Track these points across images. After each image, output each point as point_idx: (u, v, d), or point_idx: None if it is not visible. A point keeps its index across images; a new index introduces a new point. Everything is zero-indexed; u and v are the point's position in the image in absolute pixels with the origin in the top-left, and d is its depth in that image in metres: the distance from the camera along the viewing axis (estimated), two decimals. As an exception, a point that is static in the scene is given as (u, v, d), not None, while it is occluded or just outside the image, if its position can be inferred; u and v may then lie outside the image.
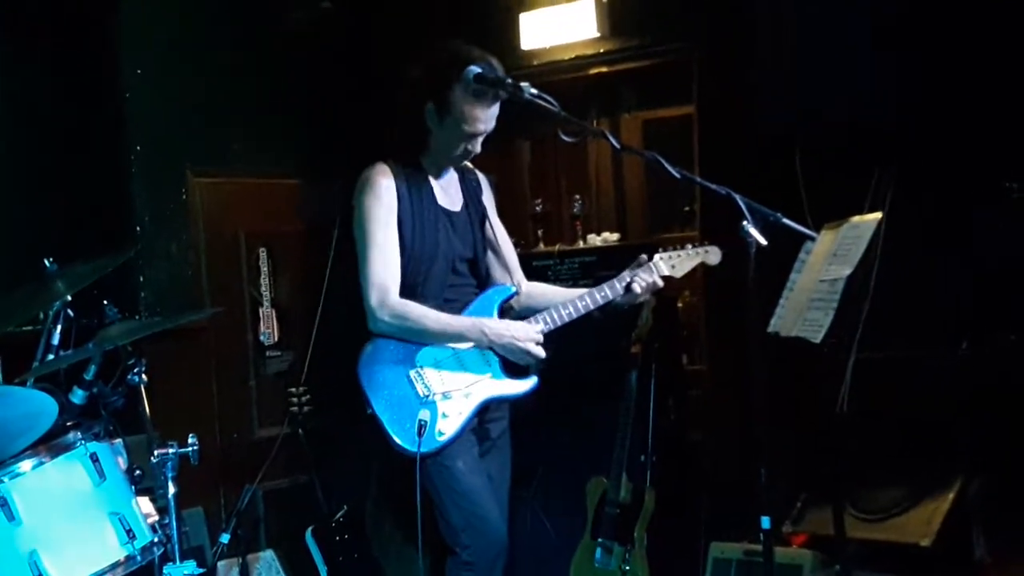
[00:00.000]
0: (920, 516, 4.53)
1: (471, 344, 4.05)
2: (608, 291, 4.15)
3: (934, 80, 4.66)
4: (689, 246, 4.29)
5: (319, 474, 5.70)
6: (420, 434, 3.84)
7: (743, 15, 5.16)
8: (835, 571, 4.44)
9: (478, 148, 4.05)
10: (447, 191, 4.16)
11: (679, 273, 4.28)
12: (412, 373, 4.00)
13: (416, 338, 3.99)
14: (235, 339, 6.02)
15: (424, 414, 3.89)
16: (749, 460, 5.06)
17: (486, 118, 3.97)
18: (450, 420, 3.97)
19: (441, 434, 3.94)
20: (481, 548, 3.98)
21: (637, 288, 4.15)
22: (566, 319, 4.13)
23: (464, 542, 3.98)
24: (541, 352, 4.05)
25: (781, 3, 5.03)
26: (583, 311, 4.14)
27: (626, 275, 4.18)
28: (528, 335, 4.03)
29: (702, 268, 5.16)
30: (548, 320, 4.10)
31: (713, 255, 4.31)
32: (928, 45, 4.64)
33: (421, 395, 3.96)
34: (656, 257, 4.23)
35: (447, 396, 3.98)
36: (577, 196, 6.28)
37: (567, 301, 4.14)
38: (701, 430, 5.60)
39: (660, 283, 4.19)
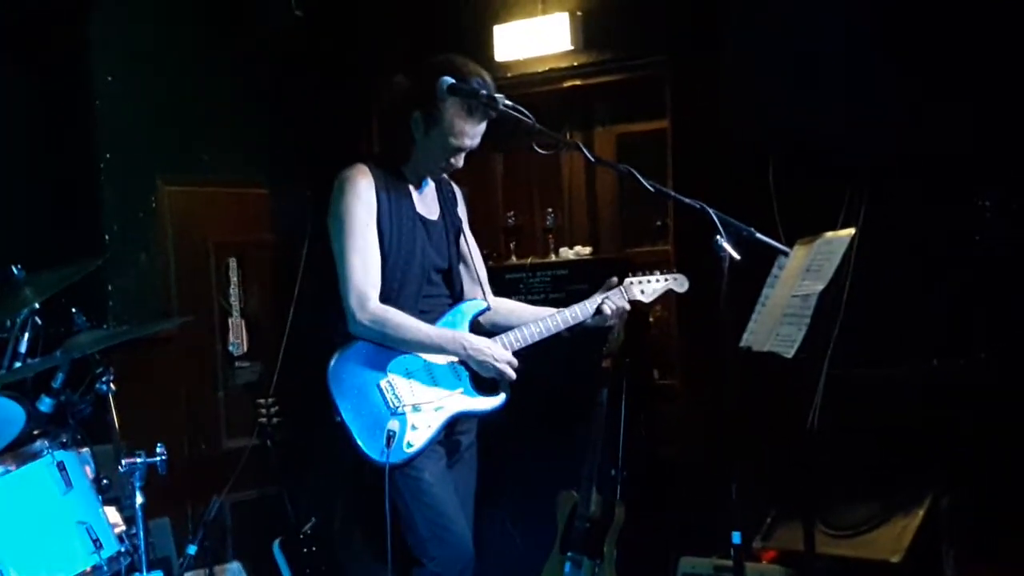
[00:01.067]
0: (890, 532, 4.53)
1: (447, 357, 4.03)
2: (578, 312, 4.17)
3: (907, 97, 4.68)
4: (658, 273, 4.33)
5: (287, 486, 5.67)
6: (388, 445, 3.82)
7: (716, 30, 5.18)
8: (805, 587, 4.46)
9: (460, 163, 4.03)
10: (425, 199, 4.13)
11: (648, 299, 4.32)
12: (383, 383, 3.97)
13: (394, 345, 3.96)
14: (204, 349, 5.98)
15: (393, 424, 3.87)
16: (719, 475, 5.08)
17: (473, 134, 3.96)
18: (419, 432, 3.94)
19: (410, 446, 3.92)
20: (448, 560, 3.95)
21: (607, 310, 4.18)
22: (536, 338, 4.13)
23: (431, 553, 3.94)
24: (513, 375, 4.03)
25: (754, 19, 5.04)
26: (552, 331, 4.15)
27: (597, 297, 4.21)
28: (504, 356, 4.02)
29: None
30: (518, 339, 4.10)
31: (680, 284, 4.37)
32: (901, 61, 4.66)
33: (391, 405, 3.93)
34: (627, 281, 4.26)
35: (417, 408, 3.95)
36: (550, 209, 6.28)
37: (536, 320, 4.15)
38: (672, 445, 5.59)
39: (628, 307, 4.23)
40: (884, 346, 4.76)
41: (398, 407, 3.92)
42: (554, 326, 4.14)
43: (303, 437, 5.89)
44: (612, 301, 4.18)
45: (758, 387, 4.18)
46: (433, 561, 3.94)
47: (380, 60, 6.02)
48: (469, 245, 4.28)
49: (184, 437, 5.75)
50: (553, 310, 4.20)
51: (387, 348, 3.97)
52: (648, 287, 4.30)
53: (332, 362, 3.98)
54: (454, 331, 4.03)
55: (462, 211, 4.28)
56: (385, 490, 3.82)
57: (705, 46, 5.24)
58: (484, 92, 3.87)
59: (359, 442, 3.89)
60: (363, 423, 3.90)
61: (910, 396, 4.69)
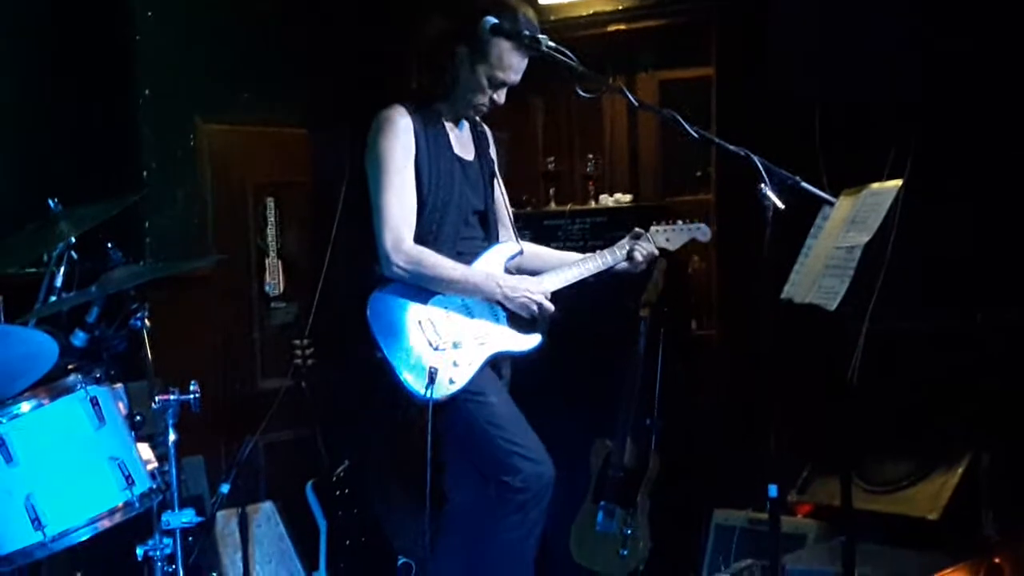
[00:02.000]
0: (928, 490, 4.50)
1: (482, 296, 4.01)
2: (609, 257, 4.17)
3: (956, 50, 4.59)
4: (680, 222, 4.34)
5: (321, 428, 5.67)
6: (431, 381, 3.81)
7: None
8: (840, 542, 4.40)
9: (503, 99, 4.01)
10: (462, 140, 4.12)
11: (673, 247, 4.35)
12: (424, 320, 3.95)
13: (429, 285, 3.95)
14: (240, 289, 5.96)
15: (435, 361, 3.87)
16: (756, 428, 5.04)
17: (519, 68, 3.96)
18: (460, 369, 3.94)
19: (452, 382, 3.91)
20: (532, 475, 3.95)
21: (639, 256, 4.19)
22: (568, 282, 4.15)
23: (515, 468, 3.93)
24: (551, 307, 4.01)
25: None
26: (584, 275, 4.17)
27: (625, 243, 4.22)
28: (540, 291, 4.00)
29: (716, 233, 5.15)
30: (552, 282, 4.09)
31: (704, 233, 4.38)
32: (949, 15, 4.58)
33: (432, 343, 3.92)
34: (652, 229, 4.28)
35: (457, 345, 3.95)
36: (590, 155, 6.21)
37: (567, 264, 4.15)
38: (708, 396, 5.55)
39: (656, 252, 4.25)
40: (926, 302, 4.69)
41: (439, 344, 3.91)
42: (585, 271, 4.15)
43: (338, 379, 5.89)
44: (642, 247, 4.16)
45: (797, 339, 4.12)
46: (518, 476, 3.93)
47: (423, 3, 5.95)
48: (501, 188, 4.25)
49: (219, 376, 5.74)
50: (580, 256, 4.19)
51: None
52: (673, 235, 4.31)
53: (372, 299, 3.97)
54: (488, 271, 4.01)
55: (494, 154, 4.26)
56: (428, 426, 3.81)
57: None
58: (527, 32, 3.83)
59: (402, 378, 3.89)
60: (405, 360, 3.90)
61: (952, 353, 4.63)
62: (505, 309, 4.06)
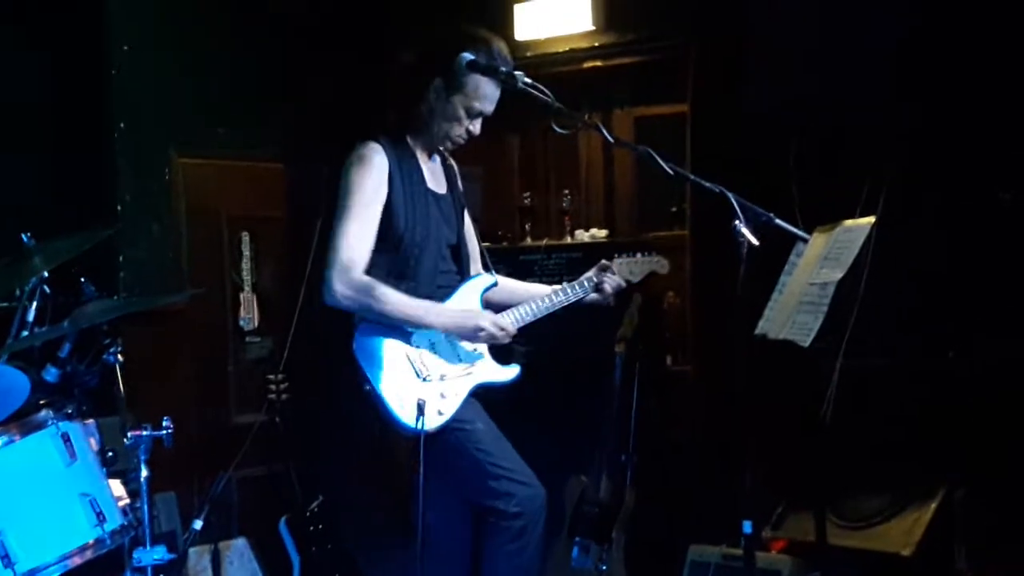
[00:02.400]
0: (902, 525, 4.50)
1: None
2: (578, 289, 4.18)
3: (929, 88, 4.63)
4: (640, 255, 4.36)
5: (295, 463, 5.64)
6: (421, 412, 3.80)
7: (738, 12, 5.13)
8: (814, 578, 4.42)
9: (478, 129, 4.02)
10: (434, 173, 4.13)
11: (636, 278, 4.37)
12: (411, 352, 3.95)
13: (375, 317, 3.92)
14: (214, 323, 5.94)
15: (423, 393, 3.86)
16: (730, 463, 5.04)
17: (493, 97, 3.97)
18: (448, 401, 3.94)
19: (441, 413, 3.91)
20: (528, 498, 3.94)
21: (608, 287, 4.21)
22: (533, 317, 4.14)
23: (507, 491, 3.92)
24: (504, 337, 4.01)
25: (776, 4, 5.00)
26: (550, 309, 4.16)
27: (592, 276, 4.23)
28: (492, 321, 3.99)
29: (690, 269, 5.17)
30: (516, 319, 4.09)
31: (662, 265, 4.40)
32: (923, 50, 4.62)
33: (421, 375, 3.92)
34: (616, 261, 4.30)
35: (444, 377, 3.95)
36: (566, 191, 6.23)
37: (533, 298, 4.15)
38: (683, 431, 5.55)
39: (624, 284, 4.26)
40: (900, 338, 4.71)
41: (427, 376, 3.92)
42: (551, 305, 4.16)
43: (312, 414, 5.87)
44: (611, 279, 4.20)
45: (772, 375, 4.13)
46: (512, 500, 3.92)
47: (398, 37, 5.97)
48: (468, 221, 4.29)
49: (192, 411, 5.71)
50: (549, 289, 4.21)
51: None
52: (635, 267, 4.34)
53: (358, 332, 3.95)
54: (429, 303, 3.97)
55: (461, 187, 4.27)
56: (420, 459, 3.79)
57: (727, 29, 5.19)
58: (504, 69, 3.85)
59: (391, 412, 3.87)
60: (394, 392, 3.89)
61: (925, 389, 4.64)
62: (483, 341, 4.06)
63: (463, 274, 4.17)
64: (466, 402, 4.00)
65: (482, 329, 3.97)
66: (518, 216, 6.29)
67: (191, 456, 5.46)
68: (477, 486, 3.96)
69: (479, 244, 4.34)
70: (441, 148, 4.11)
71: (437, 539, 4.07)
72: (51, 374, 3.77)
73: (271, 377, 5.66)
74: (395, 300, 3.90)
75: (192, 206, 5.81)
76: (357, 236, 3.90)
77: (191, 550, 5.18)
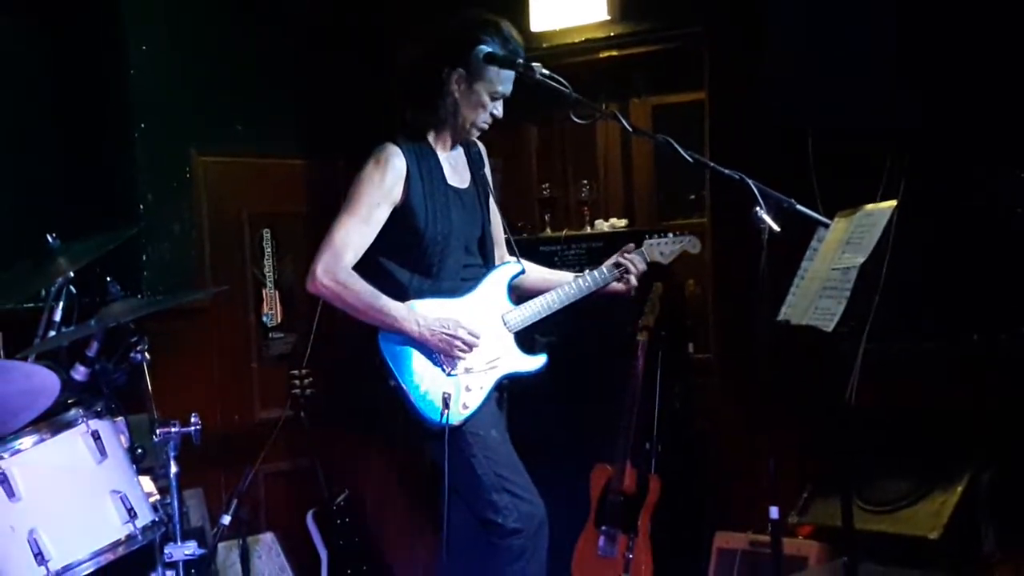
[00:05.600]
0: (928, 509, 4.49)
1: (491, 319, 4.01)
2: (594, 278, 4.18)
3: (949, 70, 4.61)
4: (671, 235, 4.38)
5: (320, 457, 5.67)
6: (446, 407, 3.81)
7: (754, 1, 5.12)
8: (842, 563, 4.41)
9: (501, 111, 4.04)
10: (456, 168, 4.12)
11: (666, 260, 4.38)
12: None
13: (348, 311, 3.93)
14: (238, 320, 5.97)
15: (448, 387, 3.88)
16: (755, 449, 5.07)
17: (512, 76, 3.97)
18: (473, 394, 3.96)
19: (465, 407, 3.93)
20: (527, 514, 3.94)
21: (632, 270, 4.20)
22: (544, 313, 4.15)
23: (508, 508, 3.91)
24: (475, 341, 3.96)
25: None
26: (566, 302, 4.17)
27: (614, 260, 4.23)
28: (462, 332, 3.94)
29: (711, 257, 5.17)
30: (522, 317, 4.11)
31: (694, 245, 4.43)
32: (941, 35, 4.60)
33: (445, 369, 3.93)
34: (646, 243, 4.31)
35: (469, 370, 3.96)
36: (585, 181, 6.23)
37: (547, 293, 4.14)
38: (707, 419, 5.56)
39: (645, 267, 4.25)
40: (923, 321, 4.71)
41: (451, 370, 3.93)
42: (567, 297, 4.16)
43: (336, 409, 5.90)
44: (635, 264, 4.17)
45: (794, 361, 4.14)
46: (511, 516, 3.91)
47: (413, 30, 5.97)
48: (495, 207, 4.28)
49: (217, 408, 5.74)
50: (573, 275, 4.22)
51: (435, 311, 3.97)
52: (666, 248, 4.34)
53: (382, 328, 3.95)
54: (407, 306, 3.94)
55: (489, 172, 4.27)
56: (445, 454, 3.80)
57: (744, 16, 5.17)
58: (520, 60, 3.85)
59: (416, 406, 3.89)
60: (418, 387, 3.90)
61: (949, 372, 4.64)
62: (509, 331, 4.08)
63: (488, 264, 4.17)
64: (488, 403, 4.01)
65: (456, 339, 3.92)
66: (537, 207, 6.29)
67: (217, 452, 5.49)
68: (479, 495, 3.95)
69: (505, 231, 4.33)
70: (472, 135, 4.11)
71: (461, 534, 4.08)
72: (80, 373, 3.79)
73: (295, 372, 5.70)
74: (367, 301, 3.89)
75: (213, 204, 5.84)
76: (353, 232, 3.91)
77: (220, 545, 5.22)
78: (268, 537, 5.66)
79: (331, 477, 5.68)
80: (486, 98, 3.97)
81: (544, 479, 4.11)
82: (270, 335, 6.07)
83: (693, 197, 6.01)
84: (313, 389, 5.70)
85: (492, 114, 4.02)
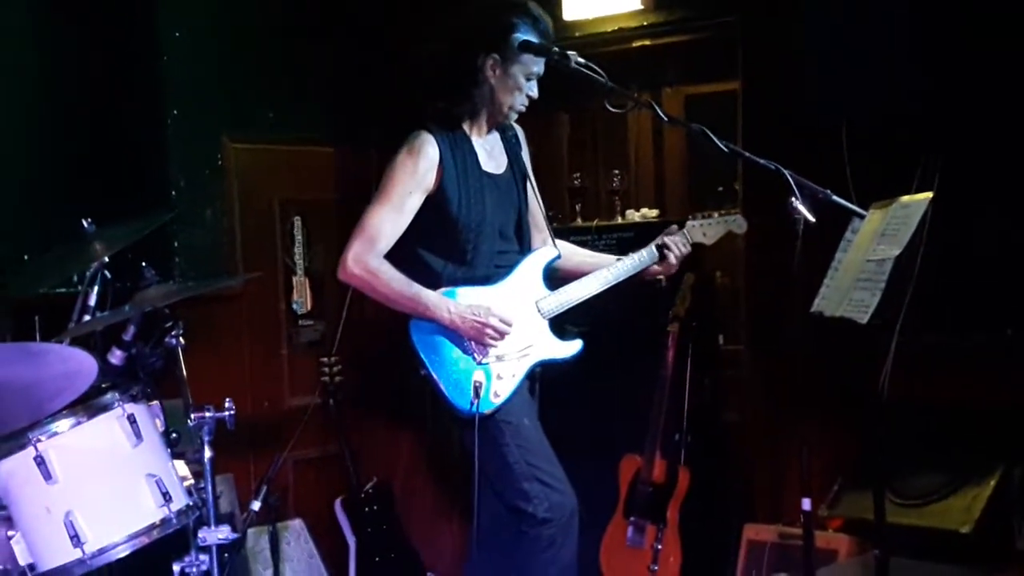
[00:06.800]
0: (960, 503, 4.47)
1: (525, 305, 4.01)
2: (638, 260, 4.16)
3: (983, 66, 4.59)
4: (716, 215, 4.34)
5: (349, 445, 5.69)
6: (477, 396, 3.81)
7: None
8: (873, 556, 4.39)
9: (536, 91, 4.04)
10: (491, 154, 4.12)
11: (710, 240, 4.35)
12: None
13: (380, 300, 3.94)
14: (268, 307, 5.99)
15: (479, 375, 3.87)
16: (784, 442, 5.05)
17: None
18: (504, 382, 3.95)
19: (496, 396, 3.92)
20: (557, 504, 3.93)
21: (673, 256, 4.18)
22: (581, 298, 4.14)
23: (540, 498, 3.91)
24: (507, 329, 3.95)
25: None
26: (604, 286, 4.16)
27: (656, 243, 4.21)
28: (493, 320, 3.93)
29: (744, 248, 5.16)
30: (558, 303, 4.10)
31: (740, 224, 4.38)
32: (974, 32, 4.58)
33: (476, 357, 3.93)
34: (689, 223, 4.28)
35: (500, 358, 3.95)
36: (616, 171, 6.21)
37: (586, 278, 4.14)
38: (737, 411, 5.55)
39: (689, 249, 4.23)
40: (956, 315, 4.68)
41: (483, 357, 3.92)
42: (604, 281, 4.14)
43: (365, 396, 5.91)
44: (676, 246, 4.16)
45: (828, 352, 4.13)
46: (543, 506, 3.90)
47: (444, 17, 5.97)
48: (534, 189, 4.26)
49: (247, 394, 5.77)
50: (613, 259, 4.20)
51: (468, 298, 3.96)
52: (710, 229, 4.32)
53: (414, 318, 3.95)
54: (440, 295, 3.94)
55: (526, 155, 4.26)
56: (475, 441, 3.81)
57: (778, 5, 5.15)
58: (556, 49, 3.85)
59: (447, 394, 3.90)
60: (449, 376, 3.91)
61: (983, 366, 4.61)
62: (543, 317, 4.07)
63: (524, 250, 4.17)
64: (520, 391, 4.00)
65: (487, 326, 3.92)
66: (568, 197, 6.28)
67: (246, 438, 5.52)
68: (510, 484, 3.95)
69: (544, 213, 4.32)
70: (510, 118, 4.10)
71: (491, 522, 4.09)
72: (116, 357, 3.81)
73: (324, 360, 5.71)
74: (398, 289, 3.90)
75: (244, 191, 5.86)
76: (386, 220, 3.92)
77: (249, 531, 5.25)
78: (297, 523, 5.69)
79: (360, 464, 5.70)
80: (522, 80, 3.97)
81: (573, 469, 4.11)
82: (300, 322, 6.09)
83: (721, 189, 5.99)
84: (342, 377, 5.71)
85: (528, 95, 4.01)
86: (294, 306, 6.04)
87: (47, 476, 3.39)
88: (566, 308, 4.11)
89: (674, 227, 4.25)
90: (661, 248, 4.17)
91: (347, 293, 5.92)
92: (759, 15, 5.29)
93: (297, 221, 6.05)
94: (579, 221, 6.06)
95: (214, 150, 5.73)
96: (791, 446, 4.92)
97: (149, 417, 3.65)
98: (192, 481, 3.82)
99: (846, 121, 4.87)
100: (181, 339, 3.84)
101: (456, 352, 3.93)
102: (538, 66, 3.97)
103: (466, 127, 4.06)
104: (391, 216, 3.93)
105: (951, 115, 4.66)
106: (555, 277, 4.18)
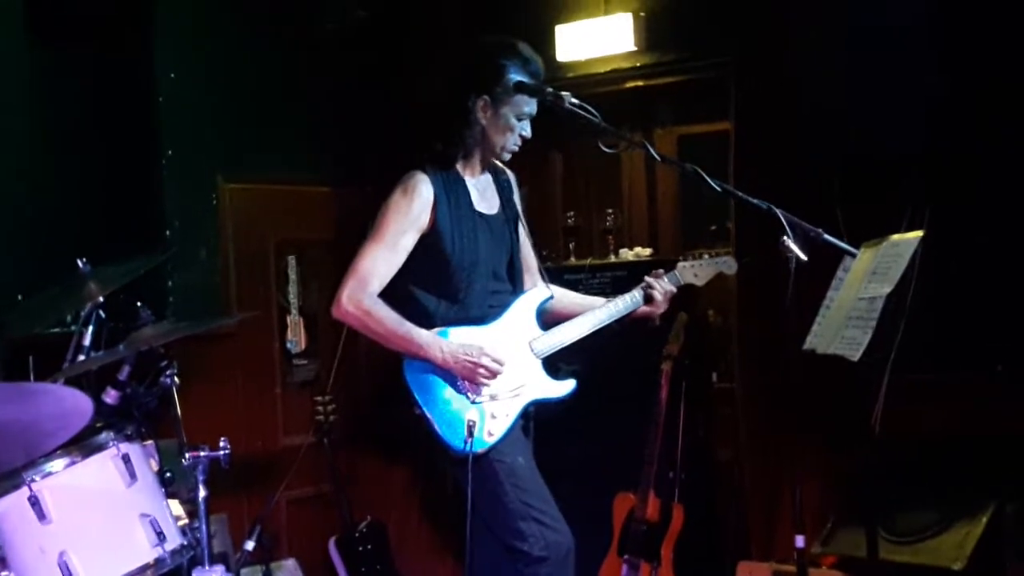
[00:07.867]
0: (952, 540, 4.48)
1: (518, 345, 4.03)
2: (622, 305, 4.17)
3: (971, 109, 4.63)
4: (706, 256, 4.38)
5: (343, 484, 5.69)
6: (470, 435, 3.82)
7: (781, 31, 5.15)
8: (866, 593, 4.41)
9: (529, 131, 4.05)
10: (484, 194, 4.14)
11: (701, 281, 4.35)
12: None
13: (374, 338, 3.94)
14: (262, 346, 6.00)
15: (473, 415, 3.88)
16: (777, 479, 5.06)
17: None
18: (498, 421, 3.94)
19: (490, 435, 3.92)
20: (554, 542, 3.91)
21: (658, 295, 4.17)
22: (573, 339, 4.13)
23: (536, 537, 3.88)
24: (499, 368, 3.95)
25: (819, 24, 5.02)
26: (595, 327, 4.16)
27: (643, 285, 4.21)
28: (486, 360, 3.92)
29: (736, 286, 5.18)
30: (550, 343, 4.10)
31: (730, 266, 4.39)
32: (963, 73, 4.63)
33: (470, 396, 3.93)
34: (680, 265, 4.29)
35: (494, 397, 3.95)
36: (609, 210, 6.25)
37: (577, 319, 4.14)
38: (730, 448, 5.56)
39: (675, 289, 4.23)
40: (948, 352, 4.70)
41: (476, 396, 3.92)
42: (597, 322, 4.15)
43: (359, 436, 5.91)
44: (660, 286, 4.17)
45: (820, 390, 4.15)
46: (538, 544, 3.87)
47: (436, 59, 6.01)
48: (526, 232, 4.29)
49: (241, 433, 5.76)
50: (603, 301, 4.21)
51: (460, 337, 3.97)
52: (701, 270, 4.32)
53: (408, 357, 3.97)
54: (433, 334, 3.94)
55: (518, 199, 4.28)
56: (468, 481, 3.80)
57: (770, 47, 5.20)
58: (550, 90, 3.88)
59: (441, 434, 3.89)
60: (443, 414, 3.90)
61: (975, 402, 4.63)
62: (536, 357, 4.07)
63: (517, 291, 4.18)
64: (514, 430, 4.01)
65: (479, 366, 3.91)
66: (562, 235, 6.31)
67: (240, 478, 5.51)
68: (505, 523, 3.92)
69: (536, 256, 4.34)
70: (495, 161, 4.13)
71: (486, 561, 4.08)
72: (111, 396, 3.83)
73: (318, 399, 5.72)
74: (391, 328, 3.89)
75: (239, 231, 5.89)
76: (379, 260, 3.93)
77: (243, 571, 5.23)
78: (291, 563, 5.67)
79: (354, 504, 5.69)
80: (513, 120, 3.99)
81: (567, 507, 4.11)
82: (294, 361, 6.10)
83: (714, 228, 6.01)
84: (336, 416, 5.72)
85: (521, 135, 4.04)
86: (288, 345, 6.06)
87: (41, 516, 3.39)
88: (560, 348, 4.12)
89: (660, 270, 4.27)
90: (646, 289, 4.19)
91: (342, 332, 5.95)
92: (752, 57, 5.34)
93: (291, 260, 6.08)
94: (573, 260, 6.09)
95: (208, 190, 5.77)
96: (783, 484, 4.94)
97: (143, 457, 3.66)
98: (186, 520, 3.82)
99: (838, 161, 4.92)
100: (175, 379, 3.86)
101: (449, 391, 3.94)
102: (530, 106, 4.00)
103: (459, 167, 4.08)
104: (385, 255, 3.95)
105: (941, 157, 4.70)
106: (546, 319, 4.19)
